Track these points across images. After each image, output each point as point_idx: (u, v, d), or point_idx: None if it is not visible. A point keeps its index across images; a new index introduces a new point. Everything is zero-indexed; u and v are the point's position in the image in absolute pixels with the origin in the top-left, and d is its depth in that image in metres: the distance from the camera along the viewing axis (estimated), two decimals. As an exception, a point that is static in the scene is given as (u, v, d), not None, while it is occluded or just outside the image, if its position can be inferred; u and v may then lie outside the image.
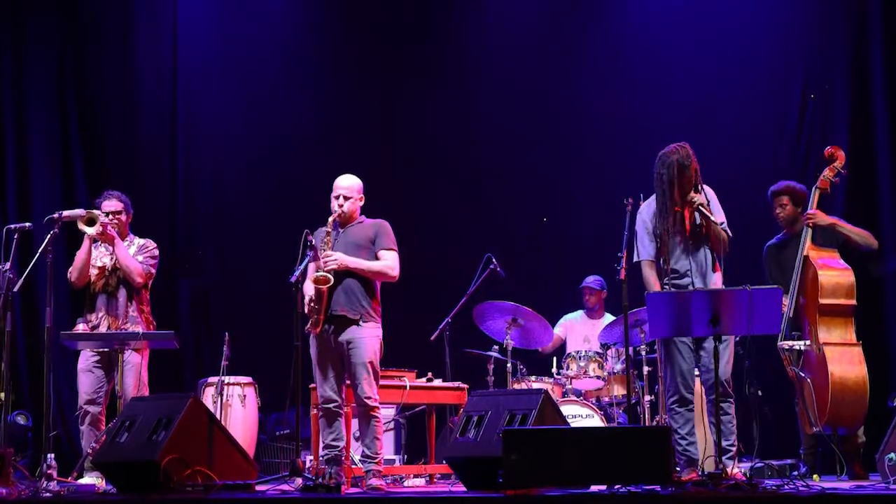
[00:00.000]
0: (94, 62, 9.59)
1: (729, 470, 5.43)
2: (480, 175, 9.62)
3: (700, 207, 5.82)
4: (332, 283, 6.13)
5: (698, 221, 5.88)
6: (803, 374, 6.51)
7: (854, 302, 6.48)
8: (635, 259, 5.99)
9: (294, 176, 9.60)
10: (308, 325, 6.20)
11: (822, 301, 6.42)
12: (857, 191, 8.30)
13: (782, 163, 8.67)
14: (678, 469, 5.78)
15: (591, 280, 8.40)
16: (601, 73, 9.52)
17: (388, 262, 6.29)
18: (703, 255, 5.92)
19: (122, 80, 9.62)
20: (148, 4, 9.76)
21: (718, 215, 5.95)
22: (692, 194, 5.84)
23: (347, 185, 6.39)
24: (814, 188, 6.75)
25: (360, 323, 6.19)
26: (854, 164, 8.35)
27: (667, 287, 5.89)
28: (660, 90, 9.26)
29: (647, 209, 6.02)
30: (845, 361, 6.34)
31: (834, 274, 6.48)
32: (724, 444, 5.72)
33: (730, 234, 5.94)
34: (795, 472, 6.45)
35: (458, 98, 9.70)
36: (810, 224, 6.66)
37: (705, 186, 5.95)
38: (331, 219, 6.32)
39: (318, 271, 6.17)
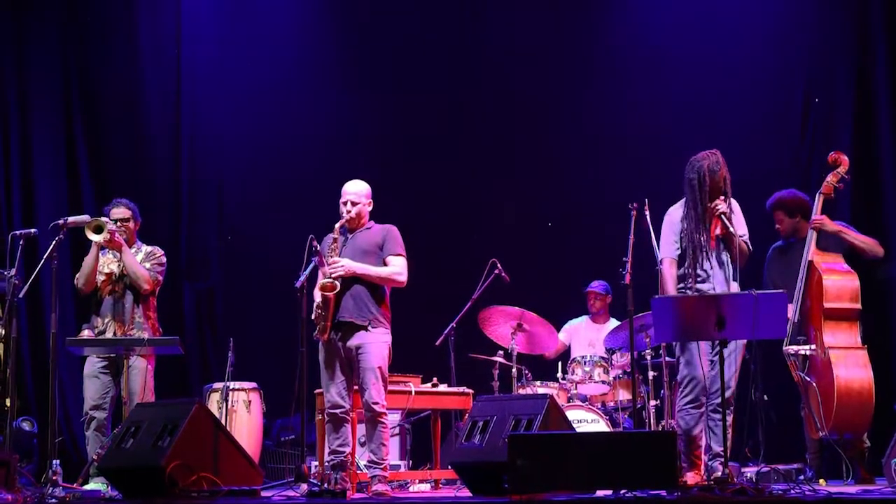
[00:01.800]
0: (98, 65, 9.62)
1: (717, 473, 5.43)
2: (485, 180, 9.61)
3: (721, 216, 5.83)
4: (338, 289, 6.12)
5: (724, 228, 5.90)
6: (809, 379, 6.49)
7: (859, 306, 6.45)
8: (659, 257, 6.02)
9: (300, 180, 9.60)
10: (316, 332, 6.20)
11: (827, 305, 6.41)
12: (860, 194, 8.28)
13: (786, 167, 8.65)
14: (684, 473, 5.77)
15: (597, 284, 8.40)
16: (604, 78, 9.51)
17: (396, 267, 6.29)
18: (727, 262, 5.94)
19: (126, 84, 9.64)
20: (151, 7, 9.77)
21: (740, 228, 5.98)
22: (717, 202, 5.86)
23: (355, 190, 6.39)
24: (818, 194, 6.74)
25: (369, 328, 6.19)
26: (858, 168, 8.34)
27: (689, 290, 5.89)
28: (663, 95, 9.25)
29: (677, 211, 6.07)
30: (850, 365, 6.32)
31: (838, 278, 6.47)
32: (717, 448, 5.72)
33: (750, 248, 5.96)
34: (802, 477, 6.44)
35: (462, 102, 9.70)
36: (816, 229, 6.64)
37: (732, 199, 5.97)
38: (338, 224, 6.32)
39: (325, 277, 6.17)
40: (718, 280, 5.92)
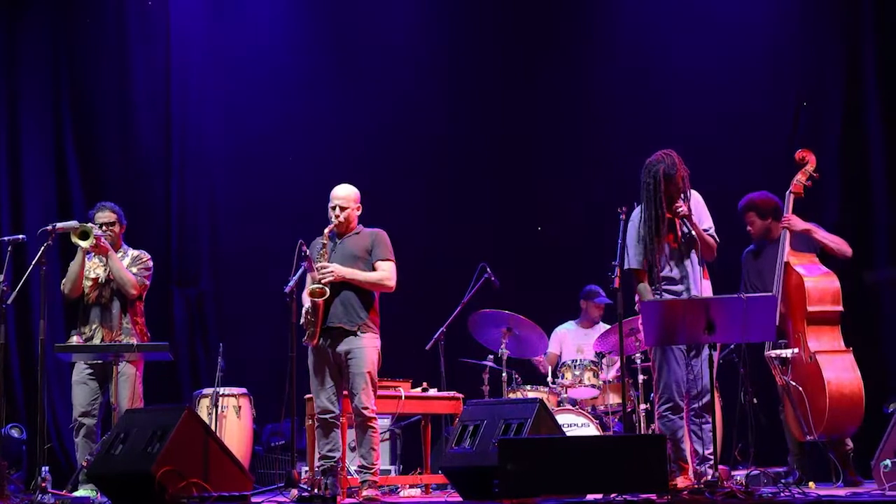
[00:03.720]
0: (89, 71, 9.57)
1: (707, 477, 5.44)
2: (475, 184, 9.62)
3: (683, 219, 5.79)
4: (328, 295, 6.12)
5: (687, 230, 5.86)
6: (794, 383, 6.47)
7: (840, 307, 6.40)
8: (626, 266, 5.94)
9: (290, 185, 9.59)
10: (305, 338, 6.19)
11: (811, 308, 6.35)
12: (850, 200, 8.32)
13: (776, 171, 8.64)
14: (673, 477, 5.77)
15: (602, 297, 8.32)
16: (595, 81, 9.53)
17: (385, 272, 6.28)
18: (693, 262, 5.90)
19: (116, 86, 9.59)
20: (142, 14, 9.74)
21: (705, 221, 5.94)
22: (677, 204, 5.81)
23: (344, 195, 6.38)
24: (787, 193, 6.65)
25: (359, 333, 6.18)
26: (847, 173, 8.38)
27: (659, 295, 5.85)
28: (654, 98, 9.27)
29: (637, 217, 5.99)
30: (839, 369, 6.27)
31: (819, 280, 6.40)
32: (705, 452, 5.72)
33: (717, 239, 5.94)
34: (789, 479, 6.45)
35: (452, 106, 9.69)
36: (786, 228, 6.59)
37: (693, 192, 5.91)
38: (327, 230, 6.31)
39: (314, 283, 6.16)
40: (690, 281, 5.89)
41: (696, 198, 5.95)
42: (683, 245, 5.89)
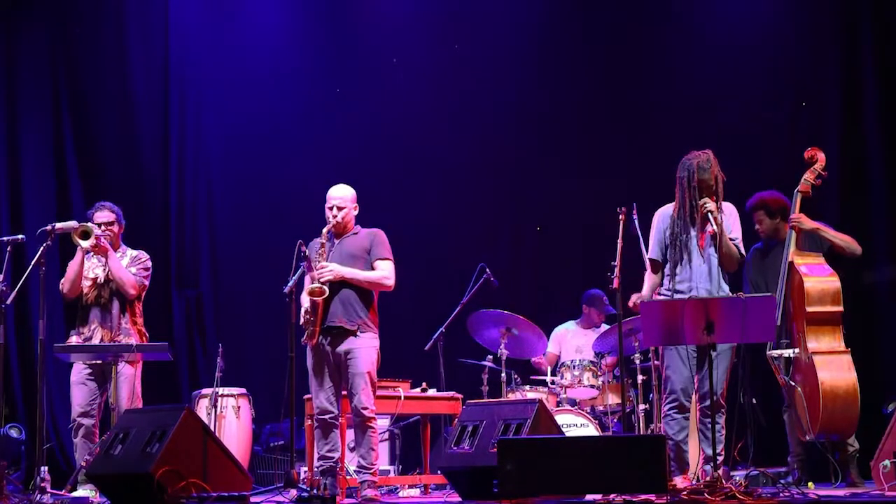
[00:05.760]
0: (87, 66, 9.56)
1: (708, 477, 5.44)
2: (474, 184, 9.62)
3: (708, 214, 5.79)
4: (327, 294, 6.12)
5: (711, 228, 5.86)
6: (793, 383, 6.47)
7: (841, 308, 6.38)
8: (648, 257, 6.02)
9: (288, 186, 9.59)
10: (304, 337, 6.19)
11: (809, 309, 6.34)
12: (848, 200, 8.32)
13: (774, 171, 8.66)
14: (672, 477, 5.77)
15: (608, 308, 8.27)
16: (595, 82, 9.53)
17: (384, 271, 6.29)
18: (713, 262, 5.90)
19: (115, 86, 9.58)
20: (141, 14, 9.74)
21: (734, 231, 5.94)
22: (705, 200, 5.82)
23: (341, 195, 6.39)
24: (795, 192, 6.64)
25: (358, 333, 6.19)
26: (845, 174, 8.38)
27: (668, 293, 5.87)
28: (653, 99, 9.27)
29: (663, 211, 6.06)
30: (834, 369, 6.26)
31: (819, 281, 6.39)
32: (709, 452, 5.71)
33: (742, 252, 5.93)
34: (789, 479, 6.44)
35: (453, 107, 9.70)
36: (794, 228, 6.61)
37: (726, 203, 5.93)
38: (325, 230, 6.32)
39: (313, 283, 6.17)
40: (702, 281, 5.89)
41: (728, 207, 5.98)
42: (707, 243, 5.91)
